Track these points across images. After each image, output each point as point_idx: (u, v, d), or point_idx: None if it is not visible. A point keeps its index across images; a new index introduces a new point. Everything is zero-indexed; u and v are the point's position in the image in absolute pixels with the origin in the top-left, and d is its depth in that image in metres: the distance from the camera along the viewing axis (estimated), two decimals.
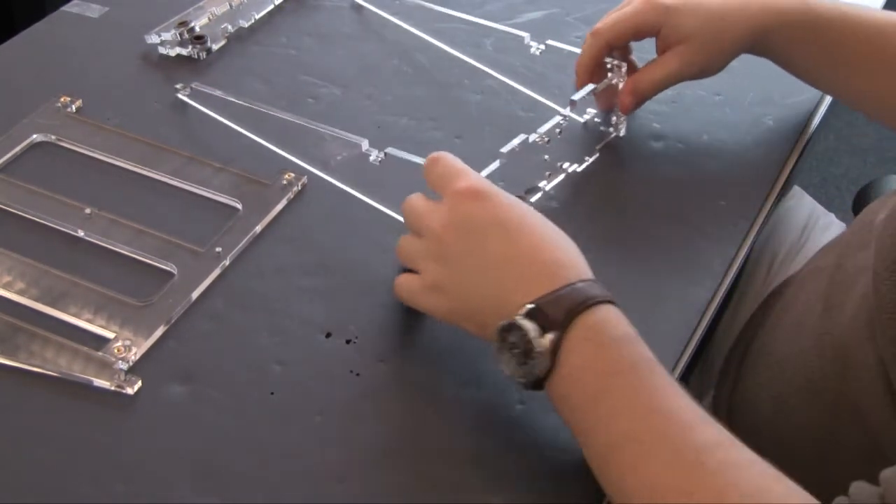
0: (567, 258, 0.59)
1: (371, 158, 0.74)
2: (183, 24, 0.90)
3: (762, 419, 0.69)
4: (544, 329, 0.55)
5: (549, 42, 0.84)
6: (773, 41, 0.79)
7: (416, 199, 0.65)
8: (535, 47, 0.85)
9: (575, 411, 0.56)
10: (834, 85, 0.81)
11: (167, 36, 0.89)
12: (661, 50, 0.79)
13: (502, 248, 0.59)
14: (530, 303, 0.56)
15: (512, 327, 0.56)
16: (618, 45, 0.80)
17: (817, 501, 0.49)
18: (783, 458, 0.51)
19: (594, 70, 0.80)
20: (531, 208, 0.62)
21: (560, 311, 0.55)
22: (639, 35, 0.79)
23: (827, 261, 0.71)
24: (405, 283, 0.65)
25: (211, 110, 0.83)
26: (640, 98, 0.80)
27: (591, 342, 0.55)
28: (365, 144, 0.74)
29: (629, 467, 0.52)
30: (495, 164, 0.71)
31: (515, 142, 0.71)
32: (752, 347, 0.76)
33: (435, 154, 0.65)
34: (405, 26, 0.94)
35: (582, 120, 0.84)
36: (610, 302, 0.57)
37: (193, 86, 0.85)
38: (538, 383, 0.57)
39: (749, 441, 0.51)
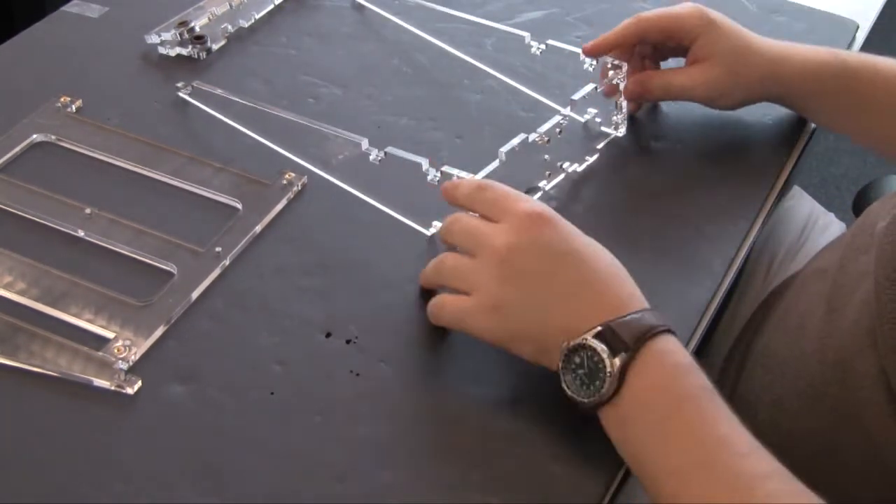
0: (631, 289, 0.60)
1: (371, 158, 0.74)
2: (183, 24, 0.90)
3: (761, 422, 0.69)
4: (614, 351, 0.56)
5: (550, 42, 0.84)
6: (797, 88, 0.80)
7: (470, 218, 0.64)
8: (536, 47, 0.85)
9: (636, 435, 0.56)
10: (859, 132, 0.82)
11: (167, 36, 0.89)
12: (689, 63, 0.81)
13: (574, 274, 0.60)
14: (600, 325, 0.57)
15: (580, 348, 0.57)
16: (651, 37, 0.81)
17: None
18: (782, 463, 0.52)
19: (616, 46, 0.81)
20: (591, 239, 0.62)
21: (630, 335, 0.56)
22: (675, 36, 0.80)
23: (829, 262, 0.70)
24: (452, 303, 0.63)
25: (212, 109, 0.83)
26: (646, 92, 0.81)
27: (659, 367, 0.56)
28: (365, 143, 0.74)
29: (691, 493, 0.53)
30: (495, 164, 0.71)
31: (515, 141, 0.71)
32: (752, 348, 0.76)
33: (480, 181, 0.65)
34: (406, 26, 0.94)
35: (582, 120, 0.84)
36: (672, 332, 0.58)
37: (195, 84, 0.85)
38: (598, 405, 0.57)
39: None
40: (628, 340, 0.56)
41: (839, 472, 0.60)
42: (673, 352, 0.57)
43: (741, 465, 0.53)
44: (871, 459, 0.60)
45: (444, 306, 0.64)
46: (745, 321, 0.82)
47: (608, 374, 0.56)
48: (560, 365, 0.58)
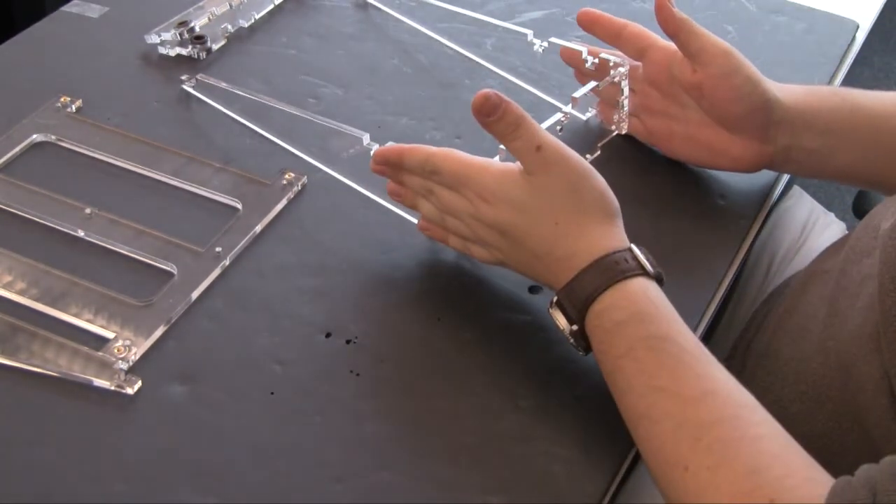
0: (579, 246, 0.62)
1: (372, 153, 0.74)
2: (183, 24, 0.90)
3: None
4: (569, 320, 0.61)
5: (552, 39, 0.84)
6: (807, 129, 0.74)
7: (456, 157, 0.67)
8: (539, 45, 0.85)
9: (607, 382, 0.60)
10: (868, 175, 0.77)
11: (167, 36, 0.89)
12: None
13: (521, 251, 0.64)
14: (555, 294, 0.62)
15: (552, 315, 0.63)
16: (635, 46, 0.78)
17: (820, 476, 0.50)
18: None
19: (609, 29, 0.79)
20: (536, 193, 0.63)
21: (573, 307, 0.61)
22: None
23: (831, 264, 0.70)
24: (478, 252, 0.68)
25: (215, 102, 0.83)
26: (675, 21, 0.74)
27: (600, 330, 0.60)
28: (366, 138, 0.75)
29: (643, 441, 0.56)
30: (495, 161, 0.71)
31: None
32: (752, 348, 0.76)
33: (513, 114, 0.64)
34: (408, 23, 0.94)
35: (584, 117, 0.84)
36: (626, 277, 0.60)
37: (199, 77, 0.85)
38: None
39: None
40: (573, 313, 0.61)
41: (840, 475, 0.60)
42: (613, 308, 0.59)
43: (689, 413, 0.54)
44: (872, 463, 0.60)
45: (449, 239, 0.69)
46: (745, 321, 0.82)
47: (572, 339, 0.62)
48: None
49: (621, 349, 0.58)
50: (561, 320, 0.62)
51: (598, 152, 0.81)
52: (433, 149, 0.67)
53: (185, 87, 0.85)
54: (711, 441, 0.52)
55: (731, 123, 0.74)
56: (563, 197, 0.63)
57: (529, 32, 0.86)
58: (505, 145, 0.65)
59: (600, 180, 0.64)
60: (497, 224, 0.64)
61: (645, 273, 0.60)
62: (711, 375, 0.56)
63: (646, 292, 0.59)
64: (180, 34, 0.90)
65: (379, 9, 0.97)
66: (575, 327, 0.61)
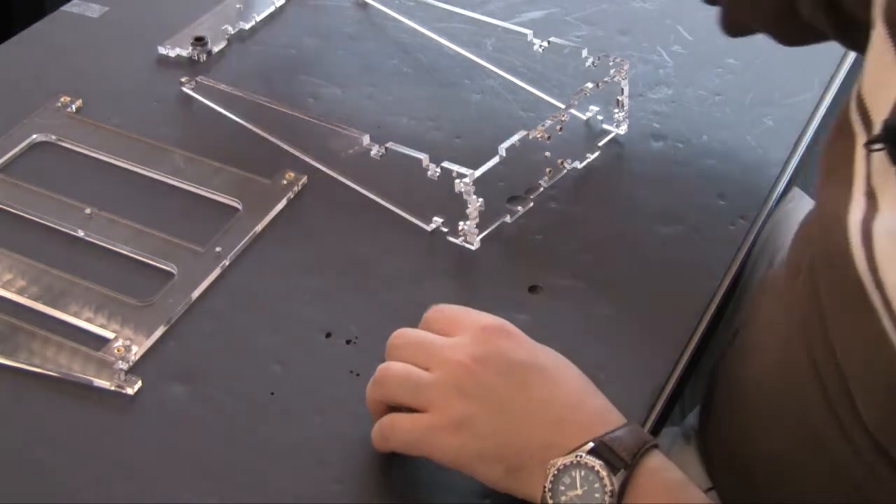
0: (606, 402, 0.56)
1: (372, 153, 0.74)
2: (199, 39, 0.89)
3: (754, 417, 0.68)
4: (613, 469, 0.51)
5: (552, 39, 0.84)
6: None
7: (418, 331, 0.60)
8: (538, 45, 0.85)
9: None
10: None
11: (182, 51, 0.89)
12: None
13: (546, 389, 0.55)
14: (592, 441, 0.53)
15: (574, 466, 0.52)
16: None
17: None
18: (749, 485, 0.50)
19: None
20: (556, 354, 0.58)
21: (625, 450, 0.52)
22: None
23: (774, 275, 0.69)
24: (406, 422, 0.56)
25: (215, 104, 0.83)
26: None
27: (657, 485, 0.53)
28: (366, 139, 0.75)
29: None
30: (494, 160, 0.71)
31: (515, 138, 0.71)
32: (744, 344, 0.75)
33: (433, 309, 0.61)
34: (407, 23, 0.94)
35: (584, 117, 0.84)
36: (656, 446, 0.54)
37: (198, 80, 0.85)
38: None
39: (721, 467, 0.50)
40: (625, 456, 0.52)
41: (804, 492, 0.59)
42: (666, 468, 0.54)
43: None
44: (837, 482, 0.59)
45: (395, 427, 0.57)
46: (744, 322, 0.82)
47: (607, 493, 0.51)
48: (547, 487, 0.52)
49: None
50: (600, 467, 0.51)
51: (599, 152, 0.81)
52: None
53: (184, 88, 0.85)
54: None
55: None
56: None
57: (529, 32, 0.86)
58: None
59: None
60: (525, 358, 0.56)
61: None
62: None
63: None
64: (192, 45, 0.89)
65: (379, 9, 0.97)
66: (624, 473, 0.51)
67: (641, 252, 0.74)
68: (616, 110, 0.82)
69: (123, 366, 0.63)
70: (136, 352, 0.64)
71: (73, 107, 0.83)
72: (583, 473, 0.51)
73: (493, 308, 0.68)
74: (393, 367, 0.58)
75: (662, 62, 0.92)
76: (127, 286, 0.69)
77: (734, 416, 0.66)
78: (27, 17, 0.97)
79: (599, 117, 0.84)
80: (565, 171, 0.79)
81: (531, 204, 0.76)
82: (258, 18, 0.95)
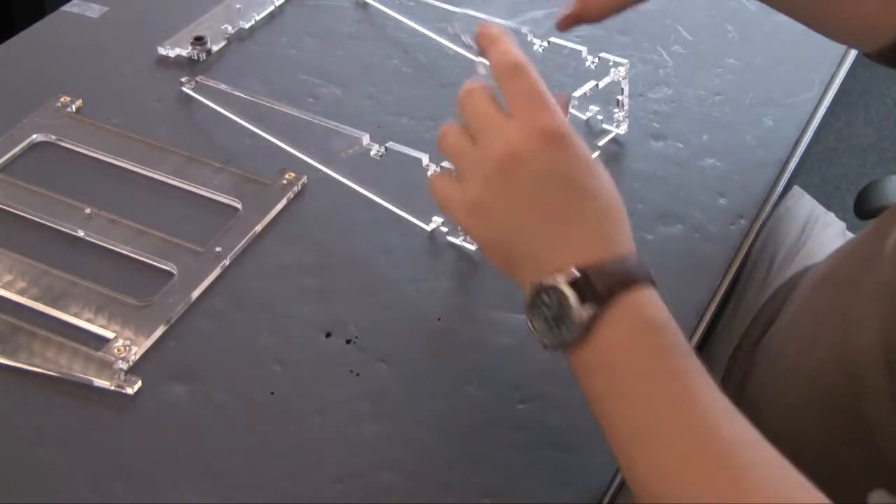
0: (621, 231, 0.56)
1: (372, 153, 0.74)
2: (199, 38, 0.90)
3: (771, 428, 0.68)
4: (584, 299, 0.52)
5: (552, 39, 0.84)
6: None
7: (487, 97, 0.59)
8: (539, 45, 0.85)
9: (599, 388, 0.53)
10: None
11: (182, 51, 0.89)
12: None
13: (563, 203, 0.55)
14: (576, 268, 0.53)
15: (550, 290, 0.53)
16: None
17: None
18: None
19: None
20: (602, 168, 0.57)
21: (604, 285, 0.52)
22: None
23: (843, 268, 0.69)
24: (443, 187, 0.59)
25: (215, 104, 0.83)
26: (585, 13, 0.71)
27: (629, 322, 0.53)
28: (366, 138, 0.75)
29: (652, 456, 0.50)
30: None
31: None
32: (760, 349, 0.75)
33: (518, 61, 0.59)
34: (408, 23, 0.94)
35: (584, 117, 0.84)
36: (653, 285, 0.54)
37: (198, 79, 0.85)
38: (562, 349, 0.54)
39: None
40: (602, 290, 0.52)
41: (845, 486, 0.59)
42: (648, 305, 0.53)
43: (715, 432, 0.49)
44: (880, 476, 0.59)
45: (438, 187, 0.60)
46: (745, 321, 0.82)
47: (575, 324, 0.52)
48: (528, 300, 0.54)
49: (655, 347, 0.52)
50: (571, 296, 0.52)
51: (598, 152, 0.81)
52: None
53: (184, 88, 0.85)
54: (741, 464, 0.49)
55: None
56: (612, 183, 0.58)
57: (529, 32, 0.86)
58: None
59: None
60: (550, 172, 0.56)
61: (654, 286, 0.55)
62: (726, 399, 0.52)
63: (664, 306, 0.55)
64: (192, 45, 0.89)
65: (379, 9, 0.97)
66: (592, 309, 0.52)
67: (641, 252, 0.74)
68: (616, 110, 0.82)
69: (123, 366, 0.63)
70: (136, 352, 0.64)
71: (73, 107, 0.83)
72: (557, 297, 0.52)
73: (494, 308, 0.69)
74: (449, 133, 0.60)
75: (662, 62, 0.92)
76: (127, 286, 0.69)
77: (779, 399, 0.66)
78: (27, 17, 0.97)
79: (599, 117, 0.84)
80: None
81: None
82: (258, 18, 0.95)
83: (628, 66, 0.80)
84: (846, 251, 0.71)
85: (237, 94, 0.83)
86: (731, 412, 0.51)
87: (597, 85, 0.78)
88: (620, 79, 0.80)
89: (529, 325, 0.55)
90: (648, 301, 0.53)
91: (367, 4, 0.98)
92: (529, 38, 0.86)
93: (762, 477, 0.49)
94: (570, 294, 0.52)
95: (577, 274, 0.52)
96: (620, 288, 0.52)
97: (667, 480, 0.50)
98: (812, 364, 0.66)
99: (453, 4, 0.95)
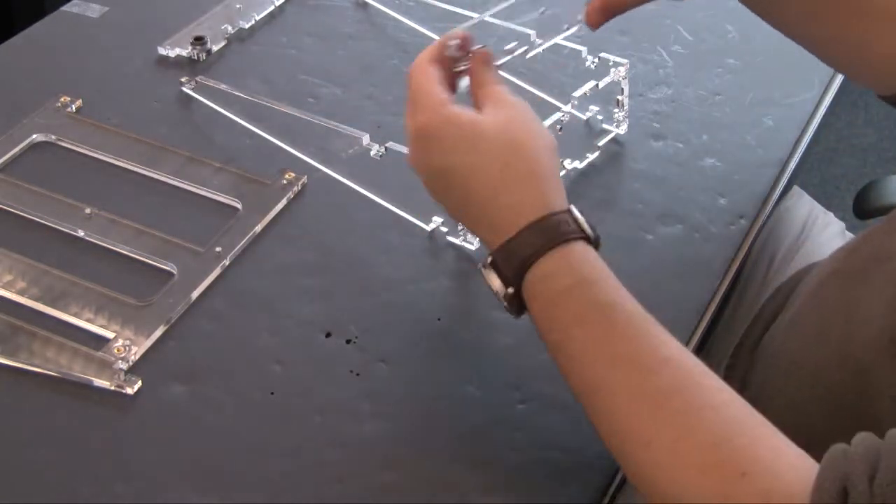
0: (525, 196, 0.57)
1: (372, 153, 0.74)
2: (199, 38, 0.90)
3: (775, 425, 0.68)
4: (505, 282, 0.56)
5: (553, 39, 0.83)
6: None
7: (421, 77, 0.62)
8: (539, 44, 0.84)
9: (550, 353, 0.56)
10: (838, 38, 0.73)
11: (182, 51, 0.89)
12: None
13: (459, 194, 0.59)
14: (491, 253, 0.57)
15: (486, 272, 0.58)
16: None
17: (790, 446, 0.49)
18: None
19: None
20: (490, 132, 0.59)
21: (510, 268, 0.56)
22: None
23: (849, 265, 0.69)
24: (414, 161, 0.62)
25: (215, 104, 0.83)
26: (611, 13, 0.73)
27: (544, 295, 0.55)
28: (366, 138, 0.75)
29: (599, 414, 0.53)
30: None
31: None
32: (764, 346, 0.75)
33: (414, 65, 0.62)
34: (409, 23, 0.94)
35: (584, 117, 0.84)
36: (571, 239, 0.56)
37: (198, 79, 0.85)
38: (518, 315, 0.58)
39: None
40: (508, 274, 0.56)
41: None
42: (555, 275, 0.55)
43: (647, 383, 0.51)
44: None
45: (412, 161, 0.63)
46: (746, 320, 0.82)
47: (505, 303, 0.57)
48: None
49: (569, 318, 0.54)
50: (494, 282, 0.57)
51: (599, 152, 0.81)
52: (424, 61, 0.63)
53: (184, 88, 0.85)
54: (674, 410, 0.50)
55: None
56: (515, 135, 0.59)
57: (532, 32, 0.86)
58: (475, 92, 0.62)
59: (548, 132, 0.61)
60: (439, 164, 0.59)
61: (585, 237, 0.57)
62: (666, 342, 0.53)
63: (588, 257, 0.56)
64: (192, 45, 0.89)
65: (379, 9, 0.97)
66: (511, 290, 0.56)
67: (641, 252, 0.74)
68: (616, 110, 0.82)
69: (123, 366, 0.63)
70: (136, 352, 0.64)
71: (73, 107, 0.83)
72: (490, 279, 0.57)
73: (494, 308, 0.69)
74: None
75: (662, 62, 0.92)
76: (127, 286, 0.69)
77: (784, 396, 0.66)
78: (27, 17, 0.97)
79: (599, 117, 0.84)
80: (565, 171, 0.79)
81: None
82: (258, 18, 0.95)
83: (628, 66, 0.80)
84: (853, 248, 0.71)
85: (237, 94, 0.83)
86: (665, 358, 0.53)
87: (597, 85, 0.78)
88: (620, 79, 0.80)
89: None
90: (556, 270, 0.56)
91: (367, 4, 0.98)
92: (532, 37, 0.86)
93: (693, 423, 0.50)
94: (493, 278, 0.57)
95: (490, 259, 0.57)
96: (528, 262, 0.55)
97: (612, 433, 0.52)
98: (817, 360, 0.66)
99: (453, 4, 0.95)
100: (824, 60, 0.76)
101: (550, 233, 0.56)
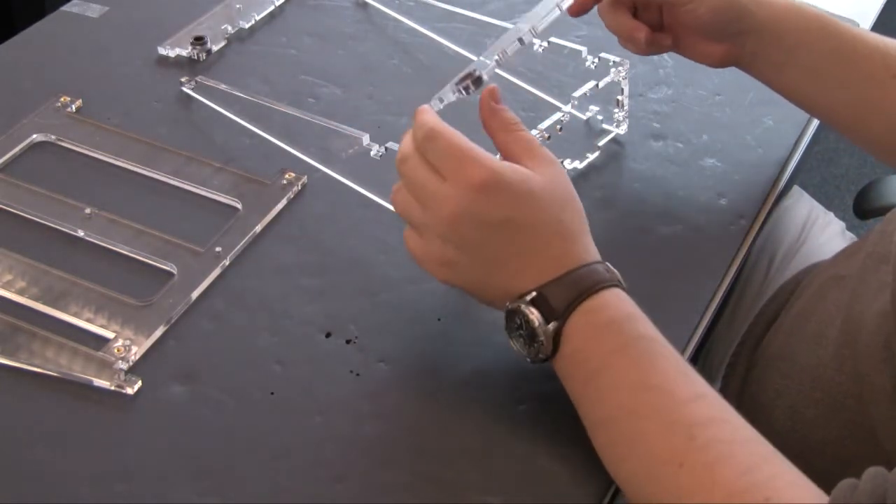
0: (574, 245, 0.60)
1: (372, 153, 0.74)
2: (199, 39, 0.90)
3: (777, 426, 0.68)
4: (547, 316, 0.58)
5: (552, 39, 0.84)
6: (776, 31, 0.74)
7: (419, 166, 0.61)
8: (538, 45, 0.85)
9: (576, 388, 0.58)
10: (836, 105, 0.78)
11: (182, 51, 0.89)
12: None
13: (512, 242, 0.60)
14: (535, 289, 0.58)
15: (517, 313, 0.59)
16: None
17: (807, 481, 0.50)
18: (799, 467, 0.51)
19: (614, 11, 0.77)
20: (545, 189, 0.61)
21: (562, 300, 0.58)
22: None
23: (848, 269, 0.69)
24: (416, 246, 0.62)
25: (215, 104, 0.83)
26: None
27: (590, 326, 0.58)
28: (366, 138, 0.75)
29: (624, 439, 0.55)
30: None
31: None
32: (765, 348, 0.75)
33: (430, 127, 0.61)
34: (407, 23, 0.94)
35: (584, 117, 0.84)
36: (613, 285, 0.59)
37: (198, 79, 0.85)
38: (542, 362, 0.60)
39: None
40: (558, 307, 0.58)
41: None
42: (607, 306, 0.58)
43: (681, 412, 0.54)
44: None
45: (411, 246, 0.63)
46: (745, 320, 0.82)
47: (543, 340, 0.58)
48: (505, 325, 0.60)
49: (614, 345, 0.57)
50: (534, 316, 0.58)
51: (599, 152, 0.81)
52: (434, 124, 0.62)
53: (184, 88, 0.85)
54: (707, 440, 0.52)
55: (704, 31, 0.75)
56: (565, 191, 0.62)
57: (538, 41, 0.86)
58: (502, 138, 0.63)
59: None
60: (499, 217, 0.59)
61: (622, 286, 0.60)
62: (698, 381, 0.56)
63: (629, 299, 0.59)
64: (191, 45, 0.89)
65: (378, 9, 0.97)
66: (553, 326, 0.57)
67: (641, 252, 0.74)
68: (616, 110, 0.82)
69: (123, 366, 0.63)
70: (136, 352, 0.64)
71: (73, 107, 0.83)
72: (525, 318, 0.58)
73: (494, 308, 0.69)
74: (397, 198, 0.63)
75: (662, 62, 0.92)
76: (127, 286, 0.69)
77: (784, 399, 0.66)
78: (27, 17, 0.97)
79: (599, 117, 0.84)
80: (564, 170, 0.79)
81: None
82: (258, 18, 0.95)
83: (628, 66, 0.80)
84: (853, 250, 0.72)
85: (237, 94, 0.83)
86: (699, 394, 0.55)
87: (597, 85, 0.78)
88: (620, 79, 0.80)
89: (512, 345, 0.61)
90: (608, 303, 0.58)
91: (366, 4, 0.98)
92: (530, 37, 0.86)
93: (726, 451, 0.52)
94: (534, 314, 0.58)
95: (535, 294, 0.58)
96: (578, 299, 0.58)
97: (637, 459, 0.55)
98: (816, 363, 0.66)
99: (452, 4, 0.95)
100: (831, 126, 0.80)
101: (602, 274, 0.59)
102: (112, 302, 0.67)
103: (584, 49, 0.81)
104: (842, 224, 0.93)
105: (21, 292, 0.68)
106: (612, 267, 0.60)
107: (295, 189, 0.77)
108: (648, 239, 0.75)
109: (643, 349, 0.56)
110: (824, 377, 0.65)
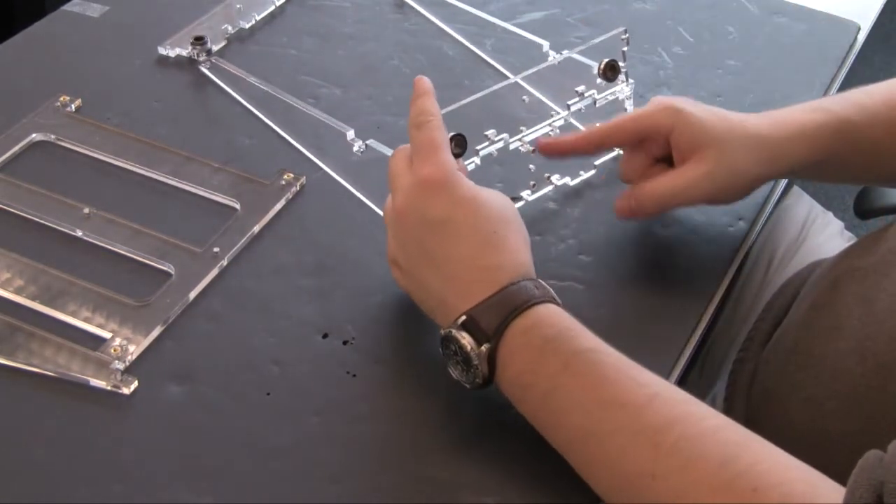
0: (507, 259, 0.59)
1: (354, 148, 0.75)
2: (199, 38, 0.90)
3: (794, 422, 0.68)
4: (479, 339, 0.57)
5: (566, 52, 0.82)
6: (802, 160, 0.70)
7: (398, 160, 0.64)
8: (553, 57, 0.83)
9: (530, 412, 0.58)
10: (878, 177, 0.80)
11: (182, 50, 0.89)
12: (677, 164, 0.70)
13: (445, 248, 0.60)
14: (465, 313, 0.58)
15: (450, 339, 0.58)
16: (622, 142, 0.73)
17: (789, 458, 0.49)
18: (817, 466, 0.50)
19: (575, 151, 0.74)
20: (488, 200, 0.61)
21: (493, 321, 0.57)
22: (648, 135, 0.71)
23: (865, 262, 0.69)
24: (407, 207, 0.62)
25: (228, 86, 0.85)
26: (640, 209, 0.70)
27: (528, 347, 0.57)
28: (350, 133, 0.76)
29: (591, 459, 0.55)
30: (475, 159, 0.71)
31: (509, 139, 0.73)
32: (775, 341, 0.74)
33: (422, 115, 0.64)
34: (408, 23, 0.94)
35: (582, 127, 0.83)
36: (545, 301, 0.58)
37: (213, 60, 0.87)
38: (482, 387, 0.59)
39: (780, 445, 0.51)
40: (489, 328, 0.57)
41: None
42: (540, 324, 0.57)
43: (641, 420, 0.53)
44: None
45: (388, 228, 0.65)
46: (745, 320, 0.82)
47: (476, 364, 0.57)
48: (441, 350, 0.60)
49: (556, 367, 0.56)
50: (466, 341, 0.57)
51: (594, 171, 0.80)
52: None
53: (201, 68, 0.87)
54: (673, 442, 0.51)
55: None
56: (509, 211, 0.62)
57: (546, 43, 0.86)
58: (411, 133, 0.64)
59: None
60: (439, 215, 0.60)
61: (555, 302, 0.59)
62: (649, 380, 0.55)
63: (564, 313, 0.58)
64: (191, 45, 0.89)
65: (384, 8, 0.97)
66: (486, 348, 0.57)
67: (641, 252, 0.74)
68: (621, 78, 0.80)
69: (120, 366, 0.63)
70: (133, 352, 0.64)
71: (73, 106, 0.83)
72: (459, 344, 0.57)
73: None
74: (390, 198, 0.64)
75: (663, 63, 0.92)
76: (125, 286, 0.69)
77: (802, 392, 0.66)
78: (27, 17, 0.97)
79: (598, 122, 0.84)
80: (563, 183, 0.78)
81: (522, 202, 0.76)
82: (258, 18, 0.95)
83: (633, 85, 0.79)
84: (870, 244, 0.71)
85: (250, 79, 0.85)
86: (653, 395, 0.53)
87: (594, 102, 0.77)
88: (625, 97, 0.79)
89: (451, 372, 0.60)
90: (540, 320, 0.57)
91: (371, 4, 0.98)
92: (545, 48, 0.86)
93: (695, 450, 0.51)
94: (465, 338, 0.57)
95: (465, 318, 0.57)
96: (508, 318, 0.57)
97: (611, 475, 0.54)
98: (835, 355, 0.65)
99: (453, 4, 0.95)
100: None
101: (532, 291, 0.58)
102: (110, 302, 0.67)
103: (594, 65, 0.79)
104: (841, 223, 0.93)
105: (19, 291, 0.68)
106: (543, 283, 0.59)
107: (293, 189, 0.77)
108: (648, 239, 0.75)
109: (587, 362, 0.55)
110: (844, 369, 0.64)
